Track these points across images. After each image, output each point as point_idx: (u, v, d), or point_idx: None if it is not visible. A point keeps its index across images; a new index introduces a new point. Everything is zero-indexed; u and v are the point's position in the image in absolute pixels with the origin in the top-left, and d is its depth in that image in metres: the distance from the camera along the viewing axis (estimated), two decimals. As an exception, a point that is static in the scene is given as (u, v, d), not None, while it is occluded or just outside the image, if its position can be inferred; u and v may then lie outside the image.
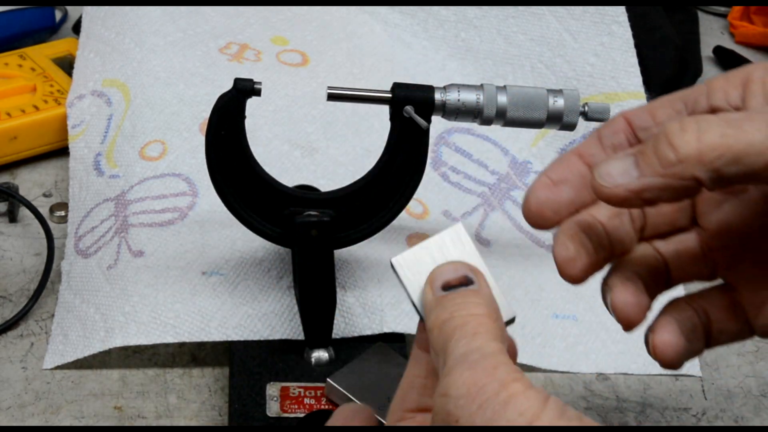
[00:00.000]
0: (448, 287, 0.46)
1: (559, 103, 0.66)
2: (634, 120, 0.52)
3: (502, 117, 0.67)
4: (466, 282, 0.46)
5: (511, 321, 0.48)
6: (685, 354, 0.53)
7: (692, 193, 0.46)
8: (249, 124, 0.66)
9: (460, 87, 0.66)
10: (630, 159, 0.46)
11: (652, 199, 0.46)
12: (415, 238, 0.79)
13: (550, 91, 0.67)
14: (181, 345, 0.72)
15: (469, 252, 0.48)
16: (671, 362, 0.53)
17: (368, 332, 0.71)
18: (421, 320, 0.48)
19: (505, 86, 0.67)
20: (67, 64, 0.91)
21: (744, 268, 0.53)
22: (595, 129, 0.53)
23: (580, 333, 0.76)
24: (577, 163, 0.52)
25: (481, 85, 0.67)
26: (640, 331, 0.77)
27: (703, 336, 0.54)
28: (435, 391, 0.43)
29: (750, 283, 0.52)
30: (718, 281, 0.54)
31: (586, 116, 0.66)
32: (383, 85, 0.68)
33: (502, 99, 0.66)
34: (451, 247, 0.48)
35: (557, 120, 0.67)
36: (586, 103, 0.66)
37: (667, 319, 0.53)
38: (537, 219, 0.52)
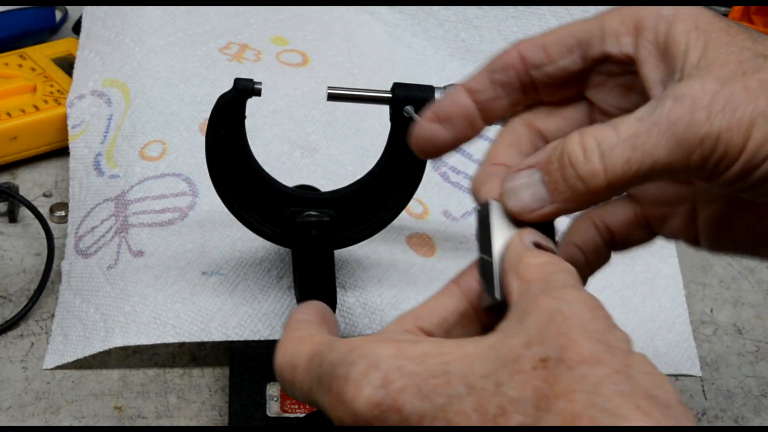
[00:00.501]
0: (537, 246, 0.46)
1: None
2: (527, 55, 0.52)
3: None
4: (552, 251, 0.47)
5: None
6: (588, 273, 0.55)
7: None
8: (249, 124, 0.66)
9: (460, 87, 0.66)
10: (538, 182, 0.47)
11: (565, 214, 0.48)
12: (416, 238, 0.79)
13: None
14: (181, 345, 0.72)
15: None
16: None
17: (368, 332, 0.70)
18: (480, 266, 0.48)
19: (505, 86, 0.67)
20: (67, 64, 0.91)
21: (648, 188, 0.54)
22: (488, 59, 0.53)
23: (580, 333, 0.75)
24: (464, 99, 0.53)
25: (481, 85, 0.67)
26: (640, 331, 0.77)
27: (606, 250, 0.56)
28: (521, 302, 0.43)
29: (652, 199, 0.54)
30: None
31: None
32: (383, 85, 0.68)
33: (502, 99, 0.66)
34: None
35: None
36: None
37: (570, 248, 0.55)
38: (420, 153, 0.54)
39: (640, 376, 0.40)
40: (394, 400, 0.41)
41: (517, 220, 0.48)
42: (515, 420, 0.39)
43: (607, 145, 0.46)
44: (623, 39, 0.50)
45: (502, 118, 0.55)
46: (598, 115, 0.54)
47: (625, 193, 0.55)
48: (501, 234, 0.48)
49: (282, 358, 0.47)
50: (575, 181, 0.46)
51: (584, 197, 0.47)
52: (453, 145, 0.54)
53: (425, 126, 0.53)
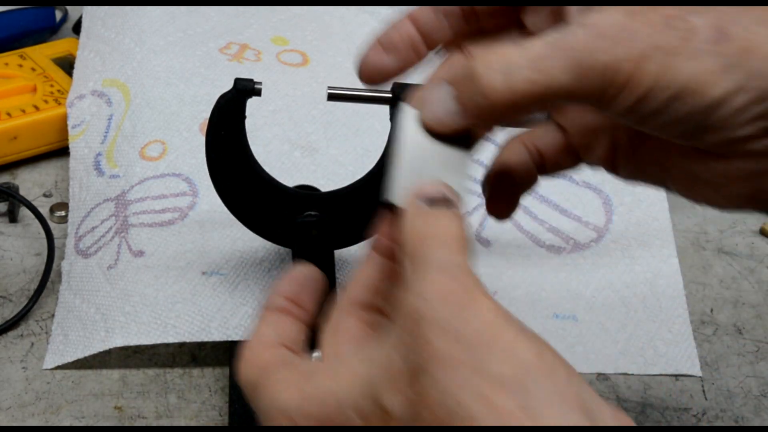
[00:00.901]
0: (431, 203, 0.47)
1: (559, 103, 0.66)
2: None
3: (502, 117, 0.67)
4: (447, 204, 0.47)
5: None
6: (513, 208, 0.59)
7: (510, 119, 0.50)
8: (249, 124, 0.66)
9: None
10: (448, 95, 0.48)
11: (474, 128, 0.50)
12: None
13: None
14: (181, 345, 0.72)
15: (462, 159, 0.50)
16: (504, 219, 0.59)
17: None
18: (385, 227, 0.51)
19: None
20: (67, 64, 0.91)
21: (573, 116, 0.57)
22: None
23: (580, 333, 0.76)
24: (409, 27, 0.55)
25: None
26: (640, 332, 0.77)
27: (535, 172, 0.58)
28: (398, 291, 0.45)
29: (577, 127, 0.57)
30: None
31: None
32: (383, 85, 0.68)
33: (502, 99, 0.66)
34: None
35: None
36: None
37: (502, 177, 0.57)
38: (367, 80, 0.57)
39: (495, 366, 0.41)
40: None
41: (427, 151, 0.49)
42: (397, 423, 0.43)
43: (513, 64, 0.47)
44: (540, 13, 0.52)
45: (444, 46, 0.56)
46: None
47: (551, 120, 0.57)
48: (412, 142, 0.49)
49: (242, 376, 0.51)
50: (479, 98, 0.47)
51: (488, 113, 0.47)
52: (398, 71, 0.56)
53: (371, 54, 0.55)
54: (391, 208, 0.49)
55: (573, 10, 0.51)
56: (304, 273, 0.53)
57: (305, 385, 0.47)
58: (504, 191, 0.58)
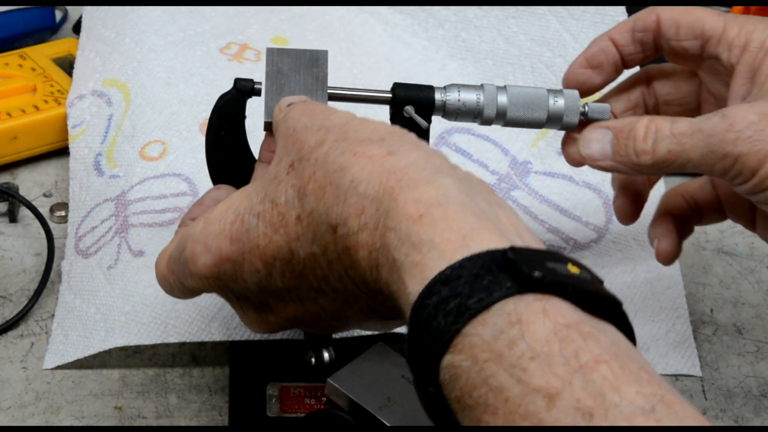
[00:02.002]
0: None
1: (559, 103, 0.66)
2: (663, 25, 0.64)
3: (502, 117, 0.67)
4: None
5: None
6: (678, 252, 0.69)
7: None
8: (249, 124, 0.65)
9: (460, 87, 0.66)
10: (608, 141, 0.61)
11: (619, 172, 0.63)
12: None
13: (550, 91, 0.67)
14: (182, 345, 0.72)
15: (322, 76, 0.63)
16: (670, 263, 0.69)
17: (368, 332, 0.70)
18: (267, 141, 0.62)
19: (505, 86, 0.67)
20: (67, 64, 0.91)
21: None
22: (630, 17, 0.65)
23: (581, 333, 0.76)
24: (612, 49, 0.66)
25: (482, 85, 0.67)
26: (640, 332, 0.77)
27: (693, 220, 0.69)
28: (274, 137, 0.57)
29: (726, 186, 0.65)
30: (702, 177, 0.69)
31: (586, 116, 0.66)
32: (383, 85, 0.68)
33: (502, 99, 0.66)
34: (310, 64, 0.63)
35: (557, 120, 0.67)
36: (586, 104, 0.66)
37: (667, 224, 0.68)
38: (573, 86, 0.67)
39: (354, 134, 0.50)
40: (219, 255, 0.53)
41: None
42: (292, 217, 0.50)
43: (661, 134, 0.59)
44: (734, 50, 0.62)
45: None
46: (706, 94, 0.67)
47: (706, 178, 0.68)
48: (275, 75, 0.62)
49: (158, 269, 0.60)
50: (631, 152, 0.60)
51: (633, 167, 0.61)
52: (602, 86, 0.67)
53: (578, 71, 0.67)
54: (268, 128, 0.60)
55: (735, 94, 0.62)
56: (212, 195, 0.60)
57: (207, 214, 0.55)
58: (668, 235, 0.68)
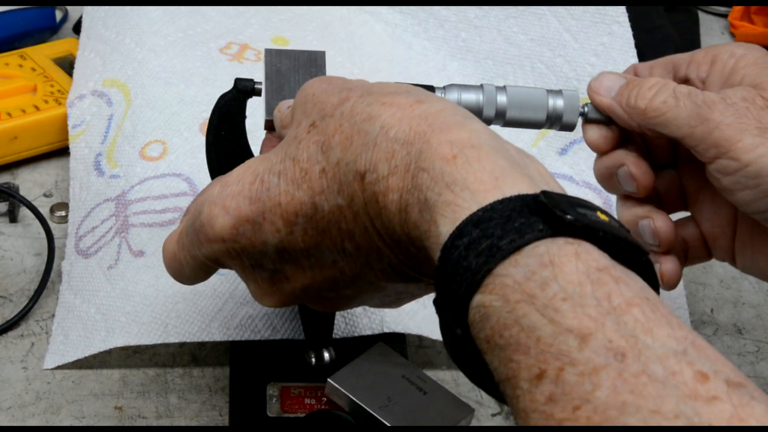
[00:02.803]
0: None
1: (558, 103, 0.66)
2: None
3: (501, 117, 0.67)
4: None
5: None
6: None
7: (635, 128, 0.63)
8: (249, 124, 0.66)
9: (460, 87, 0.66)
10: (619, 84, 0.63)
11: (614, 117, 0.63)
12: None
13: (549, 91, 0.67)
14: (182, 345, 0.72)
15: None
16: (675, 286, 0.66)
17: (368, 332, 0.71)
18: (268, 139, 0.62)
19: (504, 86, 0.67)
20: (67, 64, 0.91)
21: (706, 210, 0.67)
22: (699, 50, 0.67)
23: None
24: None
25: (481, 86, 0.67)
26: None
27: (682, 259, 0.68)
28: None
29: (710, 220, 0.66)
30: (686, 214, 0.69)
31: (586, 117, 0.66)
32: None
33: (502, 99, 0.66)
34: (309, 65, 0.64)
35: (557, 120, 0.67)
36: (586, 104, 0.66)
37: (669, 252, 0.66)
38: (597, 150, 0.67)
39: (379, 89, 0.51)
40: (238, 215, 0.53)
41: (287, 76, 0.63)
42: (316, 171, 0.51)
43: (665, 88, 0.61)
44: (702, 66, 0.64)
45: None
46: None
47: (691, 216, 0.68)
48: (274, 75, 0.63)
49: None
50: (632, 95, 0.62)
51: (627, 107, 0.62)
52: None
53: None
54: (269, 126, 0.61)
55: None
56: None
57: (224, 177, 0.55)
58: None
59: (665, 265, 0.64)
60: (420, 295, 0.58)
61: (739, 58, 0.63)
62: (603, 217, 0.44)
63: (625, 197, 0.66)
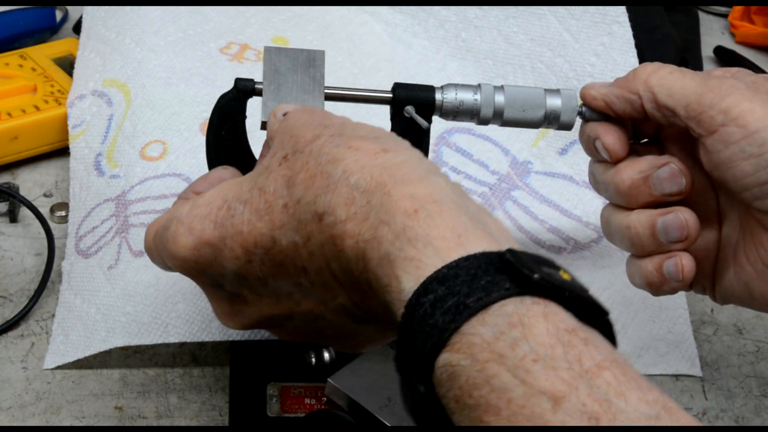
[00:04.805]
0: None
1: (556, 102, 0.66)
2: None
3: (499, 117, 0.67)
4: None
5: None
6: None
7: (638, 109, 0.63)
8: (250, 124, 0.66)
9: (457, 87, 0.66)
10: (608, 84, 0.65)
11: (610, 104, 0.64)
12: None
13: (547, 91, 0.67)
14: (182, 345, 0.72)
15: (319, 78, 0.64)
16: (690, 282, 0.65)
17: None
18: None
19: (502, 86, 0.67)
20: (67, 64, 0.91)
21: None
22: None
23: (581, 333, 0.76)
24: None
25: (479, 85, 0.67)
26: (641, 332, 0.77)
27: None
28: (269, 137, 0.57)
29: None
30: None
31: (584, 116, 0.66)
32: (383, 85, 0.68)
33: (500, 99, 0.66)
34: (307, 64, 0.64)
35: (555, 120, 0.67)
36: (584, 103, 0.66)
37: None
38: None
39: (351, 131, 0.51)
40: (200, 237, 0.54)
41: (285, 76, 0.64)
42: (279, 205, 0.51)
43: (666, 66, 0.63)
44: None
45: None
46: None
47: None
48: (273, 76, 0.63)
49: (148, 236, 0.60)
50: (629, 75, 0.63)
51: (627, 85, 0.63)
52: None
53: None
54: (264, 127, 0.61)
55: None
56: (218, 173, 0.60)
57: (196, 199, 0.56)
58: None
59: (685, 261, 0.63)
60: (377, 341, 0.58)
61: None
62: (566, 276, 0.44)
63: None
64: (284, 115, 0.57)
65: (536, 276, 0.42)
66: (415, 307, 0.43)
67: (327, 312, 0.53)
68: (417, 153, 0.51)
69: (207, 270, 0.55)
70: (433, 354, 0.42)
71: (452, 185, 0.48)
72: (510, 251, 0.43)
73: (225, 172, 0.60)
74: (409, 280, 0.45)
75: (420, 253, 0.45)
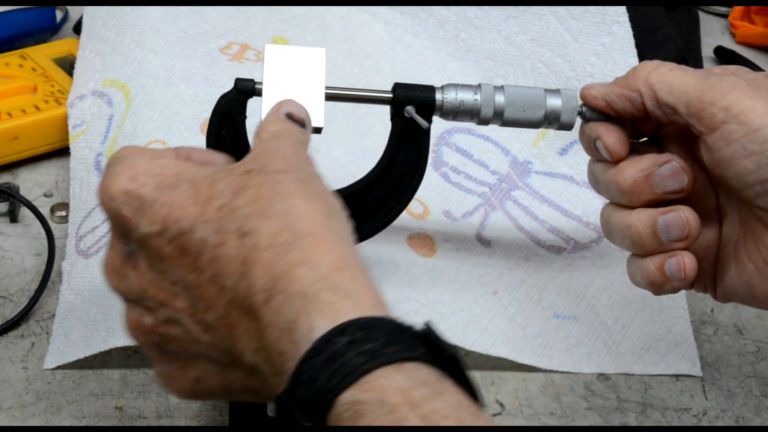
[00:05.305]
0: (289, 117, 0.58)
1: (556, 102, 0.66)
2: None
3: (499, 117, 0.67)
4: (301, 122, 0.59)
5: (318, 130, 0.65)
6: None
7: (639, 107, 0.63)
8: (250, 124, 0.66)
9: (457, 87, 0.66)
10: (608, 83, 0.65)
11: (610, 103, 0.64)
12: (416, 238, 0.79)
13: (547, 91, 0.67)
14: (182, 345, 0.72)
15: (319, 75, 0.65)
16: (691, 281, 0.65)
17: None
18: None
19: (502, 86, 0.67)
20: (67, 65, 0.91)
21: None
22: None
23: (581, 333, 0.76)
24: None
25: (479, 85, 0.67)
26: (641, 332, 0.77)
27: None
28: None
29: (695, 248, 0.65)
30: None
31: (584, 116, 0.66)
32: (384, 85, 0.68)
33: (500, 99, 0.66)
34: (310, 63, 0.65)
35: (555, 120, 0.67)
36: (584, 103, 0.66)
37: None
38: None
39: (314, 186, 0.53)
40: (137, 190, 0.54)
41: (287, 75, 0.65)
42: (216, 203, 0.52)
43: (666, 65, 0.63)
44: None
45: None
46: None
47: None
48: (276, 75, 0.65)
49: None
50: (629, 73, 0.64)
51: (627, 83, 0.64)
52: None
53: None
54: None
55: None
56: (211, 155, 0.60)
57: (159, 159, 0.56)
58: None
59: (686, 259, 0.63)
60: (244, 395, 0.57)
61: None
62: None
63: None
64: (288, 115, 0.58)
65: (448, 353, 0.46)
66: (327, 344, 0.45)
67: (191, 319, 0.53)
68: (350, 229, 0.53)
69: (121, 219, 0.55)
70: (337, 390, 0.44)
71: (355, 248, 0.52)
72: (427, 324, 0.47)
73: (218, 156, 0.61)
74: (324, 320, 0.47)
75: (340, 301, 0.47)
